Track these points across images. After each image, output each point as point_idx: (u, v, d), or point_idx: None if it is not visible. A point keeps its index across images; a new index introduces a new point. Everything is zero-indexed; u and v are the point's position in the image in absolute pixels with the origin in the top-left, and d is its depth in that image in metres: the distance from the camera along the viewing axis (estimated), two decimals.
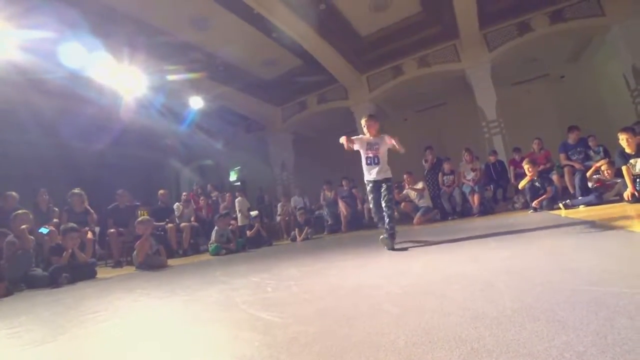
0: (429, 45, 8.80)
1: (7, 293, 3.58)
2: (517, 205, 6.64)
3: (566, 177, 6.05)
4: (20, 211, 4.60)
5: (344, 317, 1.29)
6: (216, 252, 5.77)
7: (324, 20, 7.31)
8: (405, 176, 7.41)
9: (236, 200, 7.57)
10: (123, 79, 7.25)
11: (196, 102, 9.13)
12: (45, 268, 4.28)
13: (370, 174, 3.67)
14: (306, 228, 7.29)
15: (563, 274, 1.44)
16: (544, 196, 5.48)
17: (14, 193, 5.22)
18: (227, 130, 11.84)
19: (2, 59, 5.87)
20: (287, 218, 8.73)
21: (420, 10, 7.52)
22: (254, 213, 7.52)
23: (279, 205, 9.28)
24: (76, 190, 5.77)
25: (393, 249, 3.14)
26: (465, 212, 6.93)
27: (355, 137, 3.76)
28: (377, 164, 3.64)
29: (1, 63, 5.95)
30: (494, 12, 7.73)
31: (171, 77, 8.15)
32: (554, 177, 6.14)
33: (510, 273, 1.59)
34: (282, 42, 7.99)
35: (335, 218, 8.09)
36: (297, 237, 7.18)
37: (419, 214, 6.88)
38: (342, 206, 7.89)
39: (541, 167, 6.32)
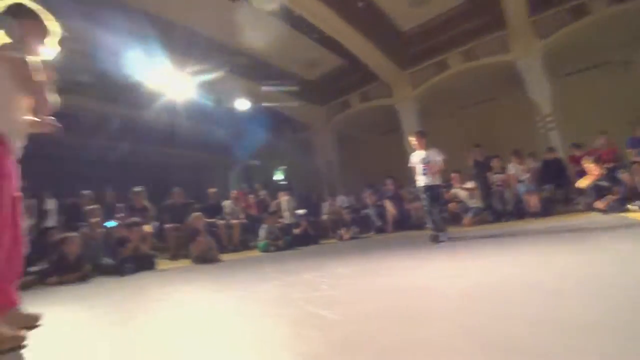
0: (475, 37, 8.27)
1: (84, 278, 3.97)
2: (579, 207, 6.11)
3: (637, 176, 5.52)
4: (92, 206, 5.09)
5: (401, 317, 1.28)
6: (265, 249, 5.94)
7: (363, 17, 7.23)
8: (453, 175, 7.14)
9: (283, 199, 7.74)
10: (176, 85, 7.69)
11: (242, 104, 9.45)
12: (113, 258, 4.70)
13: (423, 181, 4.43)
14: (352, 227, 7.28)
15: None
16: (610, 197, 5.02)
17: (87, 192, 5.77)
18: (272, 131, 12.15)
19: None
20: (333, 217, 8.78)
21: (464, 1, 7.19)
22: (301, 212, 7.64)
23: (325, 204, 9.35)
24: (137, 189, 6.29)
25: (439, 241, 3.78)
26: (520, 213, 6.51)
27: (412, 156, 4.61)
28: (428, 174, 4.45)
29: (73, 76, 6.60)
30: None
31: (218, 81, 8.51)
32: (623, 175, 5.61)
33: (576, 279, 1.50)
34: (323, 42, 8.05)
35: (383, 218, 7.99)
36: (344, 235, 7.20)
37: (469, 214, 6.59)
38: (388, 206, 7.76)
39: (607, 164, 5.79)
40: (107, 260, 4.59)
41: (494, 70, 8.61)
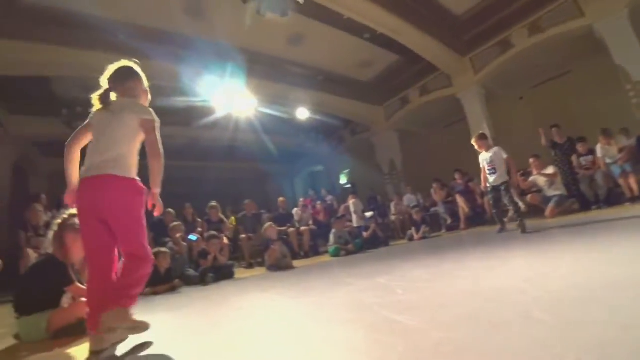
0: (541, 7, 7.35)
1: (173, 289, 4.36)
2: None
3: None
4: (175, 223, 5.59)
5: (490, 324, 1.16)
6: (336, 254, 5.97)
7: (414, 8, 6.93)
8: (531, 160, 6.49)
9: (350, 202, 7.74)
10: (241, 102, 8.15)
11: (302, 113, 9.67)
12: (195, 269, 5.08)
13: (490, 181, 4.86)
14: (423, 226, 7.00)
15: None
16: None
17: (171, 210, 6.31)
18: (333, 136, 12.27)
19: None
20: (401, 217, 8.56)
21: None
22: (368, 214, 7.56)
23: (392, 204, 9.15)
24: (213, 203, 6.75)
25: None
26: (613, 199, 5.66)
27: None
28: (495, 172, 4.80)
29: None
30: None
31: (277, 93, 8.84)
32: None
33: None
34: (375, 41, 7.91)
35: (454, 215, 7.56)
36: (414, 236, 6.95)
37: (551, 204, 5.89)
38: (460, 202, 7.32)
39: None
40: (191, 272, 4.97)
41: (566, 40, 7.55)
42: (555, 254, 2.41)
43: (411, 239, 6.97)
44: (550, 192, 6.09)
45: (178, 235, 5.56)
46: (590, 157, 6.20)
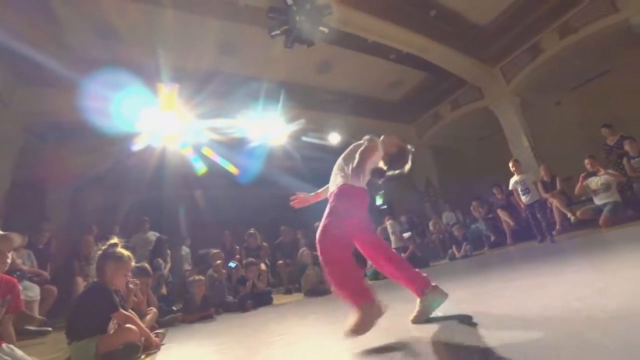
0: (569, 7, 7.06)
1: (210, 317, 4.43)
2: None
3: None
4: (215, 250, 5.79)
5: (541, 347, 1.08)
6: (375, 277, 5.82)
7: (438, 25, 6.96)
8: (587, 161, 5.91)
9: (387, 223, 7.59)
10: (274, 131, 8.42)
11: (334, 138, 9.77)
12: (235, 295, 5.15)
13: (525, 200, 5.66)
14: (464, 244, 6.70)
15: None
16: None
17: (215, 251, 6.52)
18: None
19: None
20: (441, 236, 8.26)
21: None
22: (406, 235, 7.37)
23: (430, 223, 8.87)
24: (251, 231, 6.89)
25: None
26: None
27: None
28: (528, 193, 5.62)
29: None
30: None
31: (310, 120, 9.03)
32: None
33: None
34: (401, 60, 7.98)
35: (497, 231, 7.18)
36: (456, 254, 6.66)
37: (605, 212, 5.37)
38: (503, 216, 6.95)
39: None
40: (230, 299, 5.05)
41: (602, 37, 7.13)
42: (612, 266, 2.21)
43: (452, 258, 6.67)
44: (603, 200, 5.58)
45: (218, 262, 5.70)
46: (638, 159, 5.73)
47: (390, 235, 7.28)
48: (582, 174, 5.93)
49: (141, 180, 8.02)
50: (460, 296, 2.35)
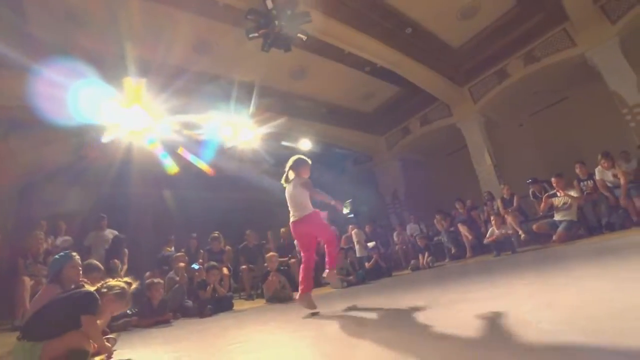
0: (534, 38, 7.69)
1: (167, 322, 4.28)
2: None
3: None
4: (178, 253, 5.60)
5: (510, 354, 1.13)
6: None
7: (413, 42, 7.24)
8: (554, 180, 6.11)
9: (352, 232, 7.65)
10: (244, 135, 8.30)
11: (305, 144, 9.80)
12: (194, 300, 4.98)
13: None
14: (426, 254, 6.89)
15: None
16: None
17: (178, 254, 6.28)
18: (336, 166, 12.34)
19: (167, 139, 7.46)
20: (404, 247, 8.44)
21: (515, 4, 6.82)
22: (371, 244, 7.47)
23: (395, 234, 9.05)
24: (215, 234, 6.73)
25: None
26: (621, 223, 5.52)
27: None
28: None
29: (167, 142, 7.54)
30: None
31: (281, 125, 9.00)
32: None
33: None
34: (376, 73, 8.18)
35: (458, 244, 7.45)
36: (420, 261, 6.84)
37: (561, 228, 5.71)
38: (463, 231, 7.23)
39: None
40: (190, 303, 4.88)
41: (561, 68, 7.83)
42: (560, 281, 2.35)
43: (414, 268, 6.83)
44: (561, 217, 5.91)
45: (181, 264, 5.50)
46: (589, 182, 6.16)
47: (355, 244, 7.36)
48: (545, 194, 6.29)
49: (104, 176, 7.64)
50: (419, 307, 2.41)
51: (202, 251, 6.74)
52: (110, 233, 6.33)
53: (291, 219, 3.29)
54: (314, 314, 2.93)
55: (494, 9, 6.91)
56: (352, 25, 6.41)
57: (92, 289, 2.38)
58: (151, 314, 4.27)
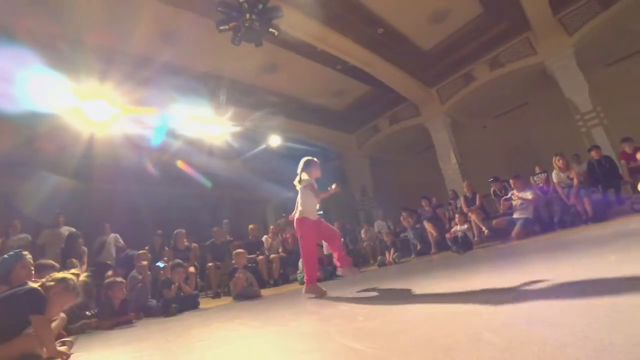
0: (499, 44, 8.15)
1: (129, 322, 4.12)
2: (636, 207, 5.51)
3: None
4: (141, 251, 5.39)
5: (442, 348, 1.18)
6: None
7: (385, 43, 7.37)
8: (512, 181, 6.55)
9: None
10: (210, 130, 8.11)
11: (274, 141, 9.74)
12: (159, 299, 4.84)
13: None
14: (392, 250, 7.06)
15: None
16: None
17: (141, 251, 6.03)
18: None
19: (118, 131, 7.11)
20: (372, 243, 8.60)
21: (482, 11, 7.12)
22: None
23: (363, 230, 9.20)
24: (180, 231, 6.54)
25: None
26: (571, 221, 5.97)
27: None
28: None
29: (118, 135, 7.19)
30: None
31: (251, 121, 8.89)
32: None
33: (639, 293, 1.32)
34: (347, 72, 8.25)
35: (423, 240, 7.69)
36: (386, 258, 6.98)
37: (518, 226, 6.09)
38: (428, 228, 7.47)
39: None
40: (153, 302, 4.74)
41: (523, 74, 8.34)
42: (514, 275, 2.49)
43: (381, 264, 6.98)
44: (519, 215, 6.28)
45: (144, 263, 5.31)
46: (543, 175, 6.60)
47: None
48: (503, 198, 6.66)
49: (62, 170, 7.22)
50: (383, 300, 2.48)
51: (167, 249, 6.53)
52: (66, 230, 6.00)
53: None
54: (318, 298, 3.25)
55: (462, 15, 7.16)
56: (324, 23, 6.42)
57: (35, 285, 2.25)
58: (112, 314, 4.10)
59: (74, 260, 5.22)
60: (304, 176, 3.57)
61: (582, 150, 7.00)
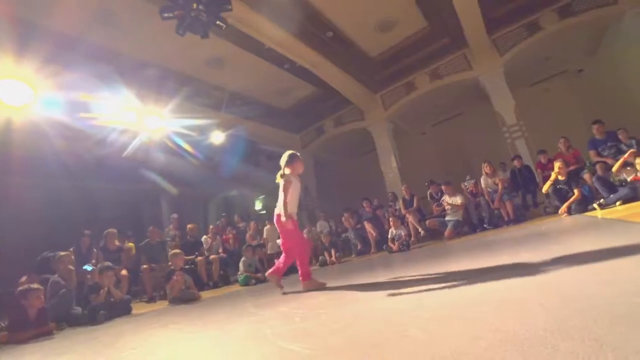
0: (439, 58, 8.83)
1: (48, 333, 3.72)
2: (548, 210, 6.40)
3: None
4: (63, 253, 4.85)
5: (372, 345, 1.26)
6: (245, 283, 5.80)
7: (333, 46, 7.55)
8: (443, 187, 7.14)
9: (265, 228, 7.62)
10: (149, 122, 7.62)
11: (217, 137, 9.43)
12: (85, 306, 4.44)
13: None
14: (333, 251, 7.22)
15: (600, 286, 1.36)
16: (571, 199, 5.24)
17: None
18: (249, 160, 12.12)
19: (38, 115, 6.38)
20: (314, 243, 8.70)
21: (426, 25, 7.64)
22: (279, 241, 7.54)
23: (305, 231, 9.27)
24: (110, 230, 6.05)
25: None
26: (496, 222, 6.70)
27: None
28: None
29: (34, 118, 6.44)
30: (500, 16, 7.74)
31: (192, 115, 8.51)
32: (586, 176, 5.89)
33: (543, 288, 1.52)
34: (294, 71, 8.28)
35: (363, 241, 7.98)
36: (328, 259, 7.13)
37: (450, 227, 6.69)
38: (368, 228, 7.78)
39: (571, 167, 6.06)
40: (78, 310, 4.33)
41: (459, 87, 9.13)
42: (445, 273, 2.70)
43: (323, 264, 7.11)
44: (450, 217, 6.87)
45: (68, 266, 4.81)
46: (472, 182, 7.22)
47: (267, 241, 7.38)
48: (435, 204, 7.30)
49: None
50: (319, 301, 2.55)
51: (95, 251, 6.00)
52: None
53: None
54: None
55: (408, 26, 7.60)
56: (274, 21, 6.37)
57: None
58: (27, 326, 3.67)
59: None
60: (287, 171, 3.40)
61: (508, 158, 7.90)
